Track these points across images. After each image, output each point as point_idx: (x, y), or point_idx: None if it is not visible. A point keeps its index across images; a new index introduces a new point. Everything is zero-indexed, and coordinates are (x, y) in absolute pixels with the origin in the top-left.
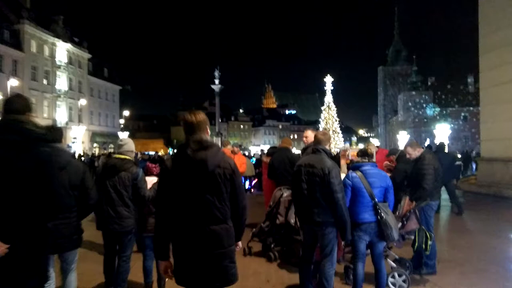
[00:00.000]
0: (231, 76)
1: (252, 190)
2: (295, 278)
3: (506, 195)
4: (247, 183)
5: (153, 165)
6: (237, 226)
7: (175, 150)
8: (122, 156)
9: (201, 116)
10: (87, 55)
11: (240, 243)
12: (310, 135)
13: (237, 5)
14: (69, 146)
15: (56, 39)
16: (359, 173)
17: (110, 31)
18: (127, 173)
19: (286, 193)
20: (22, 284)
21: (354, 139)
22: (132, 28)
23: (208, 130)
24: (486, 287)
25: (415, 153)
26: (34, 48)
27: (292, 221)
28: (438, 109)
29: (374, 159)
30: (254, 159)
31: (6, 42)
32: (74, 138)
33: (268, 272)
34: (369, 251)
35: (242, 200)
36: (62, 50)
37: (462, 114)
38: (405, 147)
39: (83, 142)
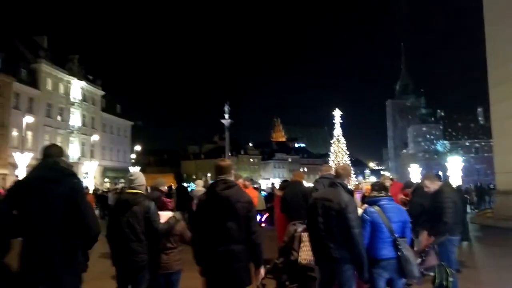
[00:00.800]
0: (240, 110)
1: (263, 224)
2: None
3: None
4: (258, 217)
5: (168, 200)
6: (252, 247)
7: (183, 184)
8: (134, 191)
9: (228, 162)
10: (100, 92)
11: (262, 270)
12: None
13: (246, 39)
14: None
15: (71, 77)
16: (377, 208)
17: (123, 69)
18: (140, 207)
19: (300, 228)
20: None
21: (367, 172)
22: (144, 65)
23: (232, 173)
24: None
25: (433, 186)
26: (49, 86)
27: (304, 262)
28: (448, 144)
29: (389, 193)
30: (264, 193)
31: (23, 80)
32: (86, 173)
33: None
34: None
35: (254, 226)
36: (77, 87)
37: (473, 147)
38: (423, 180)
39: (94, 177)
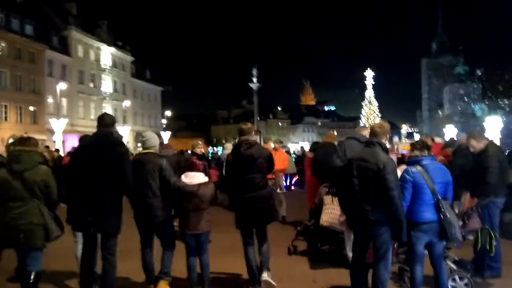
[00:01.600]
0: (268, 73)
1: (293, 187)
2: (344, 280)
3: None
4: (287, 180)
5: (200, 162)
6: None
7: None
8: (146, 151)
9: (248, 125)
10: (130, 58)
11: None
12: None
13: (274, 2)
14: None
15: (101, 43)
16: (419, 168)
17: (152, 34)
18: (152, 165)
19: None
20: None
21: (404, 132)
22: (172, 30)
23: (253, 134)
24: None
25: (479, 145)
26: (80, 53)
27: (325, 224)
28: (485, 107)
29: (431, 152)
30: (294, 155)
31: (55, 48)
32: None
33: (315, 273)
34: (426, 251)
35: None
36: (107, 54)
37: None
38: (468, 138)
39: (128, 142)
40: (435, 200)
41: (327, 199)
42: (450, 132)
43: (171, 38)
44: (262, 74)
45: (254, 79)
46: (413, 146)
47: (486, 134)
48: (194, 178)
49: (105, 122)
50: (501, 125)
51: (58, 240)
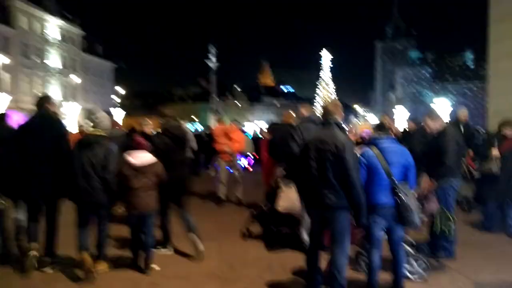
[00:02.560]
0: (226, 52)
1: (250, 168)
2: (299, 265)
3: None
4: (244, 160)
5: (143, 141)
6: None
7: None
8: (98, 133)
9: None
10: (80, 32)
11: None
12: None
13: None
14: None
15: (47, 15)
16: (375, 150)
17: (104, 7)
18: (101, 148)
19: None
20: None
21: (361, 112)
22: (126, 3)
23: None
24: None
25: (435, 125)
26: (24, 25)
27: (280, 209)
28: (432, 94)
29: (391, 133)
30: (250, 135)
31: None
32: (66, 116)
33: (269, 258)
34: (385, 236)
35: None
36: (54, 26)
37: (462, 91)
38: (424, 119)
39: (79, 120)
40: (390, 183)
41: (281, 182)
42: (401, 113)
43: (125, 12)
44: (220, 53)
45: (212, 58)
46: (374, 127)
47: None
48: (141, 158)
49: (42, 103)
50: (450, 109)
51: None
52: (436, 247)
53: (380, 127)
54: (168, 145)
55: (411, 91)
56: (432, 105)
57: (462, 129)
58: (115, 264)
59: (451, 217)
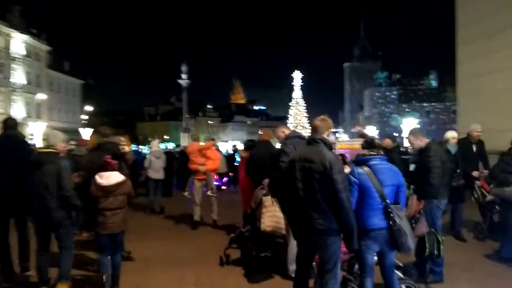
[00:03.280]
0: (198, 71)
1: (224, 187)
2: None
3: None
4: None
5: (113, 161)
6: None
7: (140, 146)
8: (46, 150)
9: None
10: (45, 47)
11: None
12: (280, 135)
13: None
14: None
15: (11, 29)
16: (366, 169)
17: (72, 22)
18: (51, 166)
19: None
20: None
21: (339, 129)
22: (95, 19)
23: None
24: None
25: (417, 142)
26: None
27: (268, 230)
28: (400, 118)
29: (382, 152)
30: (225, 153)
31: None
32: (31, 134)
33: (251, 287)
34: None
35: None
36: (18, 41)
37: (425, 110)
38: (408, 136)
39: (43, 140)
40: (384, 205)
41: (267, 200)
42: (371, 132)
43: (94, 28)
44: (192, 72)
45: (184, 75)
46: (362, 144)
47: (403, 135)
48: (110, 178)
49: (9, 125)
50: (418, 126)
51: None
52: (424, 270)
53: (370, 145)
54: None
55: (378, 111)
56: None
57: (475, 148)
58: (80, 285)
59: (440, 239)
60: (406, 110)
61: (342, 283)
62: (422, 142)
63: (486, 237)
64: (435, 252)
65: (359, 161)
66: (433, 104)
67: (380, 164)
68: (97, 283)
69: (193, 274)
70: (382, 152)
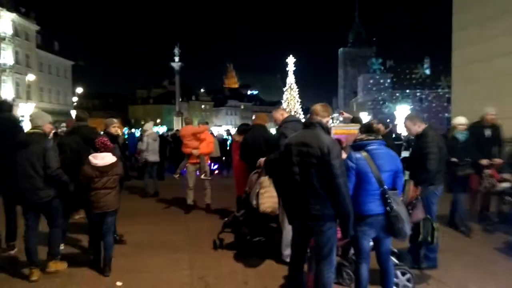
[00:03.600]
0: (191, 54)
1: (216, 172)
2: (278, 279)
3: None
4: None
5: (107, 141)
6: None
7: (133, 130)
8: (32, 130)
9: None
10: (35, 27)
11: None
12: (279, 117)
13: None
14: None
15: None
16: (364, 154)
17: (61, 2)
18: (36, 146)
19: (263, 176)
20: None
21: (335, 114)
22: (85, 0)
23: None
24: (496, 279)
25: (415, 128)
26: None
27: (268, 210)
28: (392, 106)
29: (380, 136)
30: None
31: None
32: (22, 116)
33: (245, 272)
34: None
35: None
36: (7, 20)
37: (419, 97)
38: (405, 121)
39: (30, 120)
40: (381, 190)
41: (265, 181)
42: (364, 118)
43: (85, 9)
44: (185, 55)
45: (176, 58)
46: (360, 129)
47: (397, 121)
48: (104, 158)
49: (4, 108)
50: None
51: None
52: (418, 256)
53: (369, 129)
54: (78, 144)
55: (371, 98)
56: (394, 112)
57: (490, 133)
58: (74, 264)
59: (436, 227)
60: (400, 97)
61: (337, 268)
62: (419, 127)
63: (496, 229)
64: (429, 238)
65: (357, 145)
66: (426, 92)
67: (378, 149)
68: (90, 262)
69: (186, 258)
70: (380, 137)
